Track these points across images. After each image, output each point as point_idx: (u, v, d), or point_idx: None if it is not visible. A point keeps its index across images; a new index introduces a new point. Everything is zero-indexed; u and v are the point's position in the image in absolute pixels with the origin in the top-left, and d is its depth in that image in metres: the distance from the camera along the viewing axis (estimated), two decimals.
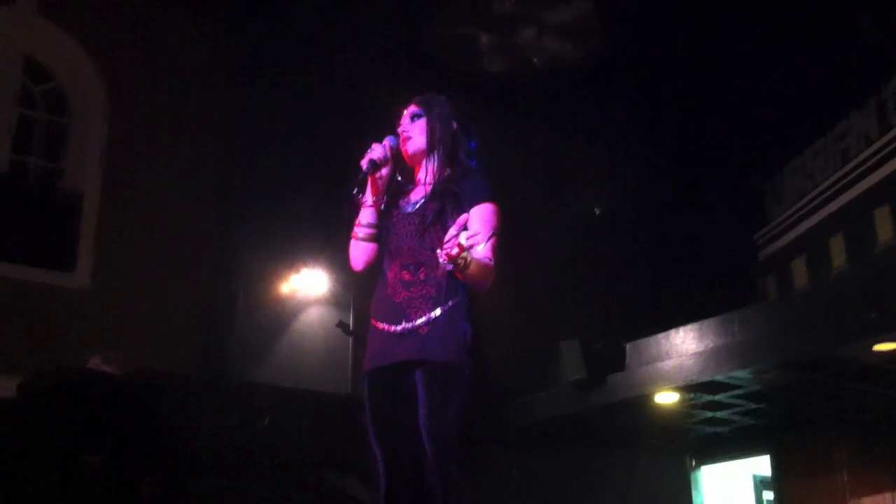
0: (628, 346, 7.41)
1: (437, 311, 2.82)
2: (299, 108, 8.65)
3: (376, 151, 2.98)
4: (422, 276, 2.88)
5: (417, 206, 2.98)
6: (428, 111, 3.06)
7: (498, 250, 2.89)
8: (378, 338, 2.92)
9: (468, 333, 2.82)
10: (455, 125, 3.07)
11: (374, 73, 9.33)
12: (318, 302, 8.57)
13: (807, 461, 8.33)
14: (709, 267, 10.06)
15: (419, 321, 2.82)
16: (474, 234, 2.62)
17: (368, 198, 3.00)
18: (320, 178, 8.22)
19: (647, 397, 7.50)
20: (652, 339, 7.27)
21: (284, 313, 8.55)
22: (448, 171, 3.00)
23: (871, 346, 6.28)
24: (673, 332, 7.12)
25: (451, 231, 2.62)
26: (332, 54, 8.91)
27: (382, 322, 2.91)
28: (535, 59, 8.35)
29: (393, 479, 2.86)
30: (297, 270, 8.44)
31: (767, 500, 9.41)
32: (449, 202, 2.91)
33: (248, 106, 8.78)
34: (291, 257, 8.47)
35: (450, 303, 2.83)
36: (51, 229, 8.25)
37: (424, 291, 2.85)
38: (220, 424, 5.43)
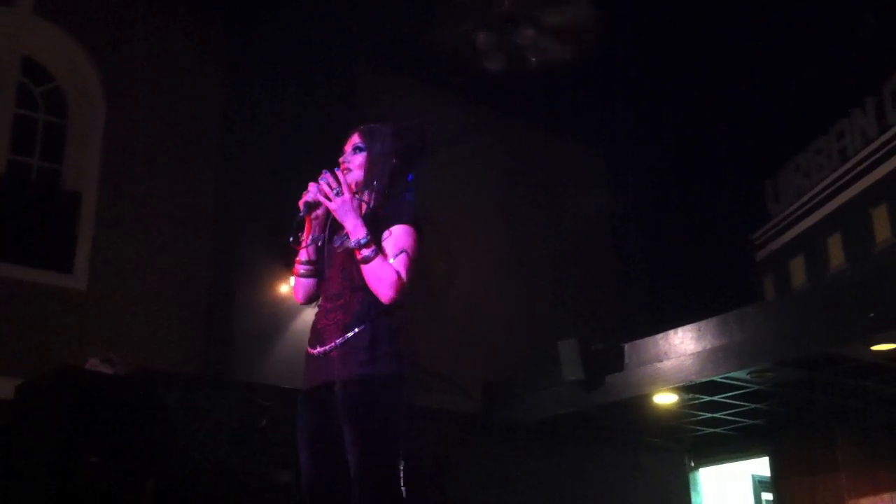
0: (627, 347, 7.41)
1: (347, 335, 2.88)
2: (298, 107, 8.64)
3: (311, 193, 3.05)
4: (339, 304, 2.96)
5: (342, 239, 3.03)
6: (369, 146, 3.09)
7: (415, 271, 2.91)
8: (307, 361, 3.03)
9: (385, 354, 2.84)
10: (395, 160, 3.08)
11: (374, 73, 9.33)
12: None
13: (806, 462, 8.32)
14: (708, 266, 10.07)
15: (330, 346, 2.91)
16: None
17: (306, 238, 3.11)
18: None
19: (646, 397, 7.50)
20: (650, 340, 7.27)
21: (282, 314, 8.54)
22: (380, 205, 3.03)
23: (870, 347, 6.29)
24: (671, 332, 7.12)
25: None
26: (332, 54, 8.91)
27: (309, 346, 3.02)
28: (535, 61, 8.33)
29: None
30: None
31: (766, 501, 9.40)
32: (370, 232, 2.95)
33: (247, 104, 8.77)
34: (289, 258, 8.45)
35: (357, 329, 2.87)
36: (49, 230, 8.25)
37: (337, 318, 2.93)
38: (221, 425, 5.42)
